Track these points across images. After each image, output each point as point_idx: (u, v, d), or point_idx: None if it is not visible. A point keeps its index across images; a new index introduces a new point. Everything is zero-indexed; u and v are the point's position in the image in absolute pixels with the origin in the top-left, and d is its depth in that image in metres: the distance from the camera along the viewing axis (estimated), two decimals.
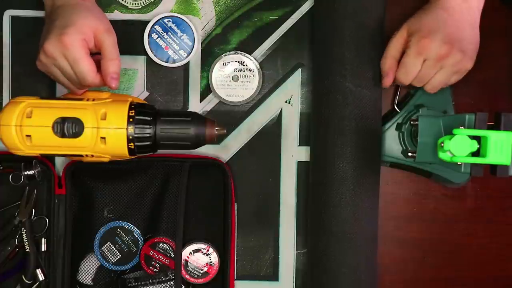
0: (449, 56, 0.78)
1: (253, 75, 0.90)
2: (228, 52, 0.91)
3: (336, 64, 0.85)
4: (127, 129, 0.76)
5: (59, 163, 0.92)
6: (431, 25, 0.79)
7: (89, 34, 0.76)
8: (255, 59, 0.91)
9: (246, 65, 0.90)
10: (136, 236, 0.90)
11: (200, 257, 0.91)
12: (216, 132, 0.80)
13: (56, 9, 0.79)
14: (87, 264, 0.90)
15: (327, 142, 0.86)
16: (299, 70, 0.93)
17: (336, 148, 0.85)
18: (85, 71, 0.76)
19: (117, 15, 0.91)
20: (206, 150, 0.92)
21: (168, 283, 0.90)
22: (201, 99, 0.93)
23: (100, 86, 0.79)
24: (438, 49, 0.78)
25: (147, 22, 0.90)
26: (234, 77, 0.89)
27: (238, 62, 0.90)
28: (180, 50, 0.90)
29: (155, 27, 0.90)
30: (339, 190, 0.84)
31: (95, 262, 0.91)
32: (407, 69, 0.80)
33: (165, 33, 0.90)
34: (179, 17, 0.90)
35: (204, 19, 0.92)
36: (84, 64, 0.76)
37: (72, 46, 0.75)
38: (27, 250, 0.89)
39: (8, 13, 0.91)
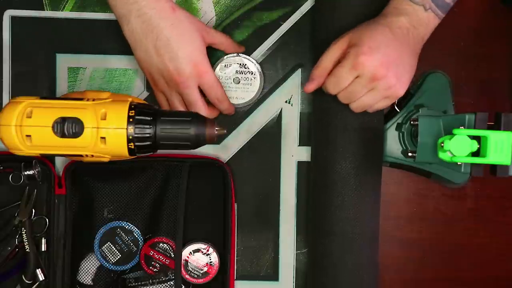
0: (383, 79, 0.75)
1: (254, 77, 0.89)
2: (230, 54, 0.90)
3: None
4: (127, 129, 0.76)
5: (59, 163, 0.92)
6: (373, 42, 0.76)
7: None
8: (256, 61, 0.90)
9: (248, 68, 0.90)
10: (136, 236, 0.90)
11: (200, 257, 0.91)
12: (216, 132, 0.80)
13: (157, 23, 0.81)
14: (87, 264, 0.90)
15: (329, 142, 0.85)
16: (299, 70, 0.93)
17: (339, 148, 0.85)
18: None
19: None
20: (206, 150, 0.92)
21: (168, 283, 0.90)
22: None
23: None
24: (374, 69, 0.75)
25: None
26: (235, 79, 0.89)
27: (240, 64, 0.90)
28: None
29: None
30: (342, 190, 0.84)
31: (95, 262, 0.91)
32: (337, 80, 0.77)
33: None
34: None
35: (204, 19, 0.92)
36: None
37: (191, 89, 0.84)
38: (27, 250, 0.89)
39: (8, 13, 0.91)
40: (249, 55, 0.91)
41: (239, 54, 0.90)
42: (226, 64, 0.90)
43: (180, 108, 0.85)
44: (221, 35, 0.88)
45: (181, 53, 0.80)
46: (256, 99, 0.91)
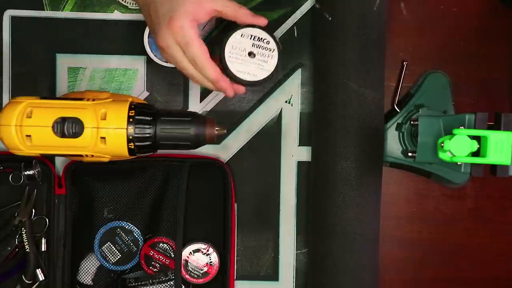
0: None
1: (272, 55, 0.78)
2: (248, 26, 0.78)
3: (339, 64, 0.85)
4: (127, 129, 0.76)
5: (59, 163, 0.92)
6: None
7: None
8: (278, 40, 0.79)
9: (268, 43, 0.78)
10: (136, 236, 0.90)
11: (200, 257, 0.91)
12: (216, 132, 0.80)
13: None
14: (87, 264, 0.90)
15: (330, 142, 0.85)
16: (299, 70, 0.93)
17: (340, 148, 0.84)
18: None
19: (117, 15, 0.91)
20: (206, 150, 0.92)
21: (168, 283, 0.90)
22: (201, 99, 0.93)
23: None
24: None
25: None
26: (251, 53, 0.78)
27: (258, 38, 0.78)
28: None
29: None
30: (343, 190, 0.84)
31: (95, 262, 0.91)
32: None
33: None
34: None
35: None
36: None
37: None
38: (27, 250, 0.89)
39: (8, 13, 0.91)
40: None
41: (259, 27, 0.78)
42: (243, 34, 0.77)
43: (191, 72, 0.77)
44: (231, 2, 0.76)
45: (161, 13, 0.74)
46: (268, 80, 0.79)
